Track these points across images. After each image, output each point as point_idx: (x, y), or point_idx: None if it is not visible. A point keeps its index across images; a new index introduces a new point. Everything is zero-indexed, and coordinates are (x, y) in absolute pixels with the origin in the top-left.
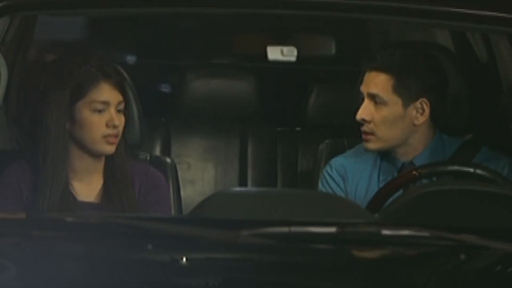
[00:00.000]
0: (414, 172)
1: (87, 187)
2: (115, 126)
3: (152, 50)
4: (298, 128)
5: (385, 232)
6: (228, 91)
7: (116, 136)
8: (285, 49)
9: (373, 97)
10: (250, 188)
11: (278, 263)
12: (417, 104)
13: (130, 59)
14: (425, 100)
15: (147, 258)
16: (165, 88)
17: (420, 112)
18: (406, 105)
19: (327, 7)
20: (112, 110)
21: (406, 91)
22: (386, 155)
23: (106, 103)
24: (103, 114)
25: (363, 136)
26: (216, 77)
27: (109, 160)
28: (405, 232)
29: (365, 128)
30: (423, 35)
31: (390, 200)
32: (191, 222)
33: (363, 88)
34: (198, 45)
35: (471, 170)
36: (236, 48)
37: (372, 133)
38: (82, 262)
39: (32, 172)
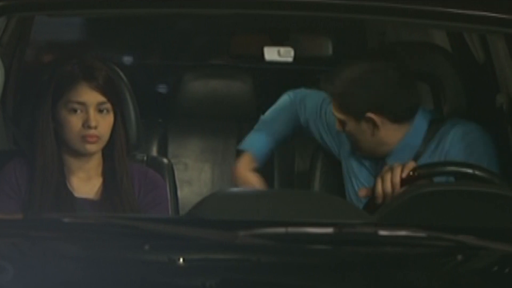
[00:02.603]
0: (411, 173)
1: (86, 184)
2: (90, 127)
3: (150, 50)
4: None
5: (383, 232)
6: (225, 92)
7: (96, 136)
8: (282, 49)
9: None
10: (247, 188)
11: (275, 264)
12: (366, 119)
13: (127, 59)
14: (371, 114)
15: (145, 258)
16: (162, 89)
17: (371, 126)
18: (357, 121)
19: (325, 8)
20: (91, 110)
21: (350, 110)
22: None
23: (83, 104)
24: (80, 114)
25: None
26: (213, 78)
27: (109, 159)
28: (402, 233)
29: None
30: (421, 35)
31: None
32: (188, 223)
33: None
34: (195, 46)
35: (470, 170)
36: (233, 49)
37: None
38: (80, 262)
39: (29, 170)
